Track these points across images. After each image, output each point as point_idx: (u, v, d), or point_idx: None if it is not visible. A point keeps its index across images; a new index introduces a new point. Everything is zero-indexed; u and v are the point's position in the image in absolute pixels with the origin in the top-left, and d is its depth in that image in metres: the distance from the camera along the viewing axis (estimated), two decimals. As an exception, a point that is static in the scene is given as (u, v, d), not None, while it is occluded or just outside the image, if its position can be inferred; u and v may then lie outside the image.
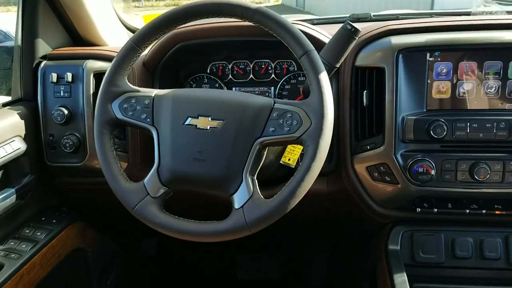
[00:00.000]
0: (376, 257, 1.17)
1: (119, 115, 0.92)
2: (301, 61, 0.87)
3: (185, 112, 0.90)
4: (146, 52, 1.20)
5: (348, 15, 1.47)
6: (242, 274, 1.75)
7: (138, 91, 0.94)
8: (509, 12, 1.28)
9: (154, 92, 0.95)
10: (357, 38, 0.97)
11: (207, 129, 0.88)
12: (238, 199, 0.85)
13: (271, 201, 0.83)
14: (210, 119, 0.88)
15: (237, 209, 0.84)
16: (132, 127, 0.99)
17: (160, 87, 1.18)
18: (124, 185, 0.90)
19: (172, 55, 1.19)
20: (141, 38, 0.94)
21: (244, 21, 0.92)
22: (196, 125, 0.88)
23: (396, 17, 1.41)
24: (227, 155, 0.86)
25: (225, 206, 0.89)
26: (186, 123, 0.89)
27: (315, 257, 1.75)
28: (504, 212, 1.06)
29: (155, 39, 0.96)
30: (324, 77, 0.86)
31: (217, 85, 1.30)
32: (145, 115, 0.92)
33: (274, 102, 0.88)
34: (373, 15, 1.46)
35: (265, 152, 0.93)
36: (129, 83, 0.95)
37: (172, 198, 0.92)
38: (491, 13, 1.34)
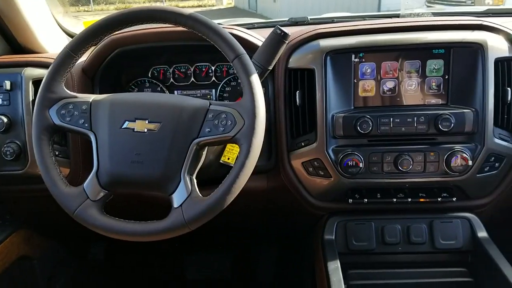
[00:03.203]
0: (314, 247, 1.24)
1: (57, 121, 0.93)
2: (233, 65, 0.91)
3: (122, 116, 0.92)
4: (85, 58, 1.21)
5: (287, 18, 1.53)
6: (192, 274, 1.78)
7: (76, 97, 0.96)
8: (435, 14, 1.37)
9: (91, 97, 0.96)
10: (286, 42, 1.02)
11: (144, 132, 0.90)
12: (177, 198, 0.88)
13: (208, 199, 0.86)
14: (147, 122, 0.91)
15: (176, 208, 0.87)
16: (71, 132, 1.01)
17: (101, 92, 1.19)
18: (63, 189, 0.91)
19: (112, 60, 1.21)
20: (77, 45, 0.95)
21: (178, 26, 0.96)
22: (134, 128, 0.91)
23: (331, 20, 1.46)
24: (164, 156, 0.89)
25: (165, 206, 0.91)
26: (123, 127, 0.91)
27: (263, 253, 1.80)
28: (427, 200, 1.15)
29: (92, 45, 0.98)
30: (255, 79, 0.90)
31: (159, 89, 1.32)
32: (82, 120, 0.93)
33: (210, 104, 0.92)
34: (310, 19, 1.52)
35: (204, 152, 0.96)
36: (66, 89, 0.96)
37: (114, 201, 0.94)
38: (418, 15, 1.43)
